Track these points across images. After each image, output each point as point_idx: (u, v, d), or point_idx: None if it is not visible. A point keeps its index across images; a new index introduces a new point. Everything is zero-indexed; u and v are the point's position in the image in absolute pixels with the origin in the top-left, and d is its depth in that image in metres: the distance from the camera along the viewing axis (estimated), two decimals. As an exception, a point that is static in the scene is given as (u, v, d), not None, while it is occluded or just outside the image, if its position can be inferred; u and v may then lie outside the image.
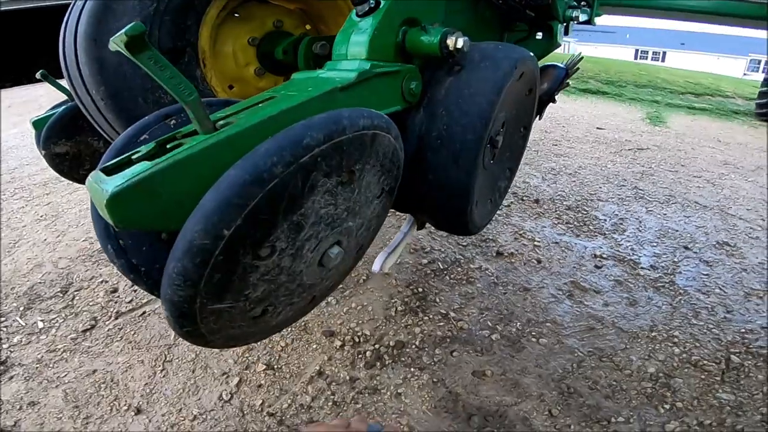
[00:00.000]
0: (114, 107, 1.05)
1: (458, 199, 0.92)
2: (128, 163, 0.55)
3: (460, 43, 0.86)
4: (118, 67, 1.01)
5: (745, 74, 27.76)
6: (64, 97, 1.56)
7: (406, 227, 1.14)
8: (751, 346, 1.72)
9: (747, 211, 3.10)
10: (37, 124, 1.52)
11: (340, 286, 1.89)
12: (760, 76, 7.03)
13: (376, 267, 1.04)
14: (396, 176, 0.77)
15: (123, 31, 0.46)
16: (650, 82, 9.71)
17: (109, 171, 0.53)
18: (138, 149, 0.57)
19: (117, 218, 0.49)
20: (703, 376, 1.56)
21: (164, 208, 0.52)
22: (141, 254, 0.68)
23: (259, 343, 1.60)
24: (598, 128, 5.29)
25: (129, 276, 0.68)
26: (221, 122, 0.61)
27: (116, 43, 0.47)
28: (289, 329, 1.66)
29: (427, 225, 2.43)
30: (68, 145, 1.52)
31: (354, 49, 0.85)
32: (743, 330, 1.81)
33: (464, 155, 0.87)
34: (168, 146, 0.57)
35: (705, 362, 1.62)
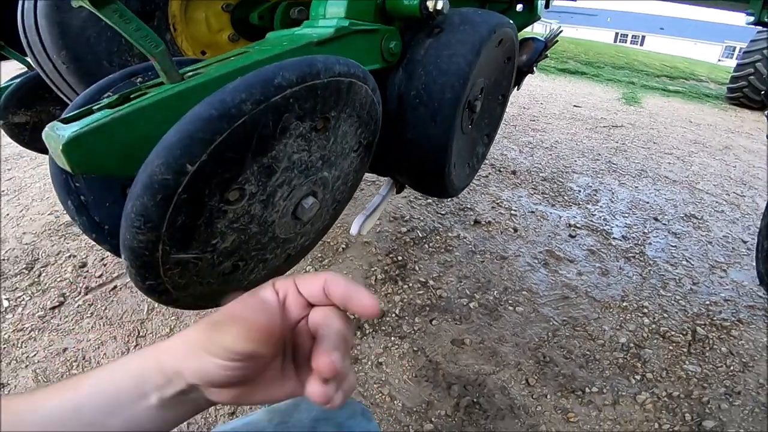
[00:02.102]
0: (77, 71, 1.01)
1: (436, 157, 0.93)
2: (88, 113, 0.52)
3: (440, 5, 0.86)
4: (81, 31, 0.98)
5: (719, 60, 28.46)
6: (16, 72, 1.48)
7: (384, 190, 1.13)
8: (715, 319, 1.79)
9: (714, 187, 3.21)
10: None
11: (319, 255, 1.88)
12: (734, 63, 7.26)
13: (353, 229, 1.03)
14: (374, 131, 0.76)
15: None
16: (628, 64, 9.88)
17: (67, 120, 0.50)
18: (100, 101, 0.54)
19: (73, 163, 0.47)
20: (671, 348, 1.61)
21: (125, 154, 0.50)
22: (104, 210, 0.64)
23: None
24: (575, 106, 5.36)
25: (91, 235, 0.65)
26: (189, 74, 0.59)
27: None
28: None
29: (407, 194, 2.43)
30: (28, 114, 1.45)
31: (332, 9, 0.83)
32: (708, 302, 1.89)
33: (442, 113, 0.88)
34: (132, 97, 0.55)
35: (673, 333, 1.67)
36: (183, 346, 0.38)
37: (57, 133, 0.47)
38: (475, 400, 1.34)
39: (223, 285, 0.63)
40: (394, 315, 1.62)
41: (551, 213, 2.53)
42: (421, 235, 2.13)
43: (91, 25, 1.00)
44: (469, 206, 2.46)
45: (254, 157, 0.50)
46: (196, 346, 0.37)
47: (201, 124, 0.44)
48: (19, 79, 1.41)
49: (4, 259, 1.79)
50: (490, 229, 2.28)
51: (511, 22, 1.07)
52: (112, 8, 0.47)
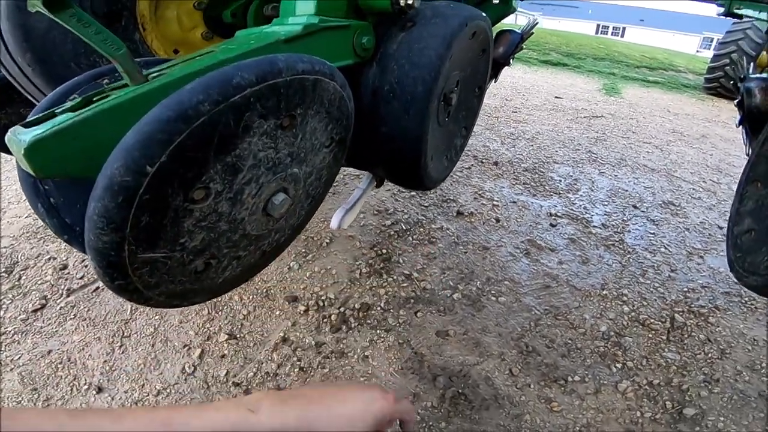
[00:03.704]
0: (43, 73, 1.00)
1: (411, 150, 0.94)
2: (51, 116, 0.52)
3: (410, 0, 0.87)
4: (46, 33, 0.97)
5: (698, 51, 28.93)
6: None
7: (364, 184, 1.14)
8: (692, 306, 1.82)
9: (691, 174, 3.29)
10: None
11: (303, 250, 1.88)
12: (711, 54, 7.44)
13: (333, 224, 1.04)
14: (346, 126, 0.76)
15: None
16: (608, 55, 10.02)
17: (29, 124, 0.50)
18: (63, 104, 0.54)
19: (36, 167, 0.47)
20: (650, 335, 1.64)
21: (88, 157, 0.50)
22: (74, 212, 0.64)
23: (219, 312, 1.57)
24: (556, 97, 5.42)
25: (63, 237, 0.65)
26: (154, 75, 0.59)
27: (34, 3, 0.45)
28: (251, 297, 1.64)
29: (391, 188, 2.44)
30: None
31: (302, 6, 0.84)
32: (686, 289, 1.93)
33: (415, 106, 0.89)
34: (94, 99, 0.55)
35: (652, 321, 1.70)
36: None
37: (18, 138, 0.47)
38: (460, 391, 1.36)
39: (196, 283, 0.63)
40: (379, 308, 1.64)
41: (533, 203, 2.56)
42: (405, 227, 2.14)
43: (56, 27, 0.99)
44: (451, 197, 2.48)
45: (217, 156, 0.51)
46: None
47: (158, 126, 0.44)
48: None
49: (-19, 264, 1.76)
50: (472, 220, 2.30)
51: (485, 15, 1.08)
52: (69, 13, 0.47)
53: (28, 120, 0.51)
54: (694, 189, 3.01)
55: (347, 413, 0.46)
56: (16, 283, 1.67)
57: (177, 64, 0.62)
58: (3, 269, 1.73)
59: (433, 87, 0.89)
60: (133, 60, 0.53)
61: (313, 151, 0.70)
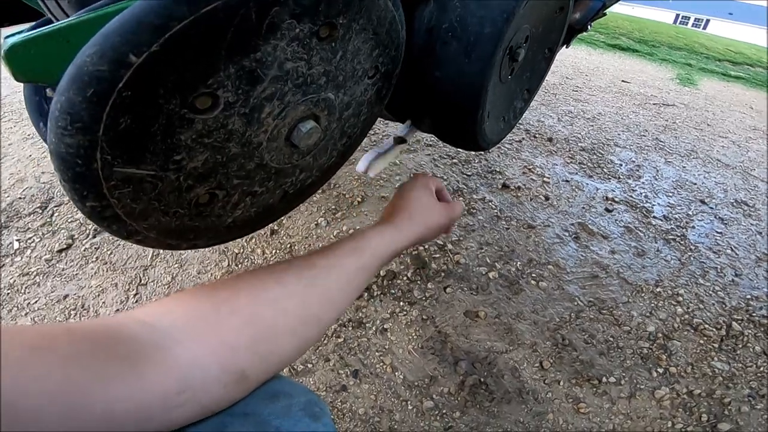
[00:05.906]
0: (78, 3, 0.95)
1: (467, 99, 0.80)
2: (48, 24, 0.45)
3: None
4: None
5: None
6: None
7: (402, 131, 1.02)
8: (754, 314, 1.63)
9: (771, 175, 2.94)
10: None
11: (333, 207, 1.78)
12: None
13: (360, 166, 0.92)
14: (394, 57, 0.64)
15: None
16: (687, 45, 9.17)
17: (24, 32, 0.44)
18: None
19: (17, 69, 0.40)
20: (701, 341, 1.48)
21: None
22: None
23: (239, 265, 1.51)
24: (623, 81, 5.00)
25: None
26: None
27: None
28: (273, 251, 1.57)
29: (431, 152, 2.28)
30: None
31: None
32: (749, 296, 1.72)
33: (478, 49, 0.75)
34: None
35: (706, 326, 1.53)
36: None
37: (5, 41, 0.40)
38: (482, 379, 1.25)
39: (197, 219, 0.53)
40: (405, 278, 1.53)
41: (588, 184, 2.34)
42: (443, 194, 2.01)
43: None
44: (497, 169, 2.30)
45: (231, 57, 0.40)
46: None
47: (153, 7, 0.34)
48: (36, 24, 1.36)
49: (20, 198, 1.78)
50: (519, 194, 2.12)
51: None
52: None
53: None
54: (773, 191, 2.69)
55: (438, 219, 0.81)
56: (48, 220, 1.68)
57: None
58: (38, 205, 1.74)
59: (503, 31, 0.75)
60: None
61: (353, 78, 0.58)
